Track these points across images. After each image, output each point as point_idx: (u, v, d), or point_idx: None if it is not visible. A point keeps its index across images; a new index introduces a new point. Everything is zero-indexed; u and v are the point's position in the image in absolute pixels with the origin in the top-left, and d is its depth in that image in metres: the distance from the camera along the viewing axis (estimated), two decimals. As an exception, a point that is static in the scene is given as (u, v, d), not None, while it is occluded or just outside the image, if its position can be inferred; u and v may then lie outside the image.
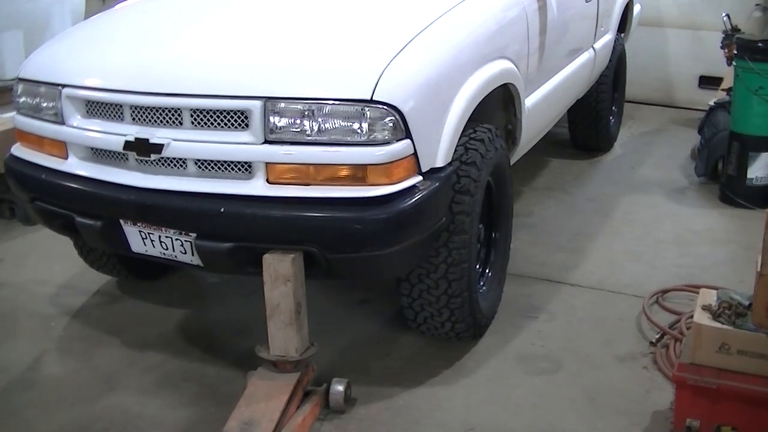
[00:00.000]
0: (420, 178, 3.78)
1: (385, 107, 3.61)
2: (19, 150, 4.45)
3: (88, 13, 7.53)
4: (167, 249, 4.02)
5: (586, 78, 6.60)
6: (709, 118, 7.00)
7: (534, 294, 5.10)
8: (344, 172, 3.64)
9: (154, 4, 4.89)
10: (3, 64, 8.00)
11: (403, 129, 3.65)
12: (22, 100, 4.38)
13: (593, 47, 6.57)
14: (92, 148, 4.12)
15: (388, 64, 3.72)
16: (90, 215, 4.12)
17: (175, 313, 5.00)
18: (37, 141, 4.32)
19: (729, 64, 7.05)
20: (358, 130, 3.60)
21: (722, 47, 7.27)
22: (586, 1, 6.14)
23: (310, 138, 3.64)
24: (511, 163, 4.88)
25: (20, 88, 4.39)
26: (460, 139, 4.07)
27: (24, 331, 4.88)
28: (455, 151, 4.03)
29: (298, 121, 3.64)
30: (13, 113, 4.59)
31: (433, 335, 4.47)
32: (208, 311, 5.09)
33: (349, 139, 3.61)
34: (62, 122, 4.17)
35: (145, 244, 4.07)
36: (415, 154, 3.72)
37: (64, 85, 4.16)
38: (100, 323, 4.92)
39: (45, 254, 5.78)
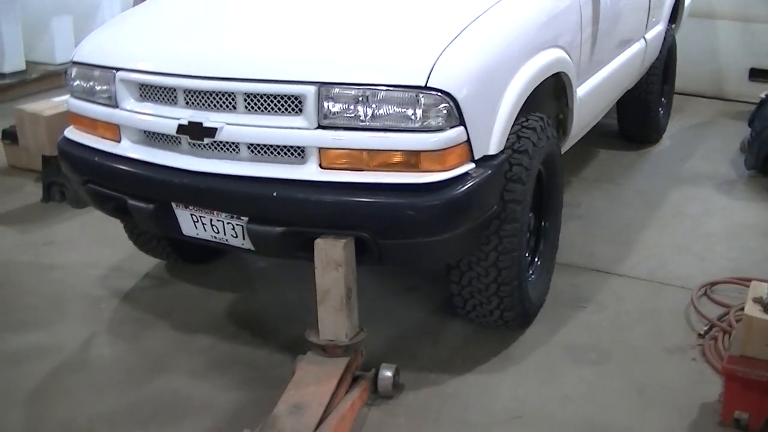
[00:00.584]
0: (473, 165, 3.77)
1: (440, 94, 3.60)
2: (72, 133, 4.49)
3: (137, 2, 7.56)
4: (218, 232, 4.04)
5: (637, 69, 6.56)
6: (760, 111, 6.95)
7: (582, 284, 5.08)
8: (397, 158, 3.64)
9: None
10: (53, 49, 8.09)
11: (456, 116, 3.64)
12: (76, 83, 4.41)
13: (644, 38, 6.52)
14: (145, 132, 4.15)
15: (443, 51, 3.71)
16: (142, 198, 4.15)
17: (224, 296, 5.03)
18: (90, 124, 4.36)
19: (781, 57, 7.00)
20: (412, 117, 3.60)
21: (774, 40, 7.22)
22: (638, -9, 6.11)
23: (363, 124, 3.64)
24: (562, 153, 4.85)
25: (74, 71, 4.43)
26: (512, 127, 4.06)
27: (74, 312, 4.92)
28: (507, 139, 4.02)
29: (352, 107, 3.65)
30: (63, 97, 4.63)
31: (481, 323, 4.47)
32: (257, 295, 5.11)
33: (402, 125, 3.61)
34: (116, 105, 4.20)
35: (196, 228, 4.10)
36: (468, 141, 3.71)
37: (118, 69, 4.19)
38: (149, 306, 4.96)
39: (95, 237, 5.83)
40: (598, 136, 7.39)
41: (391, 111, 3.61)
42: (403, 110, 3.60)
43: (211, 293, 5.07)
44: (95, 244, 5.73)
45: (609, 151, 7.45)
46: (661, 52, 7.18)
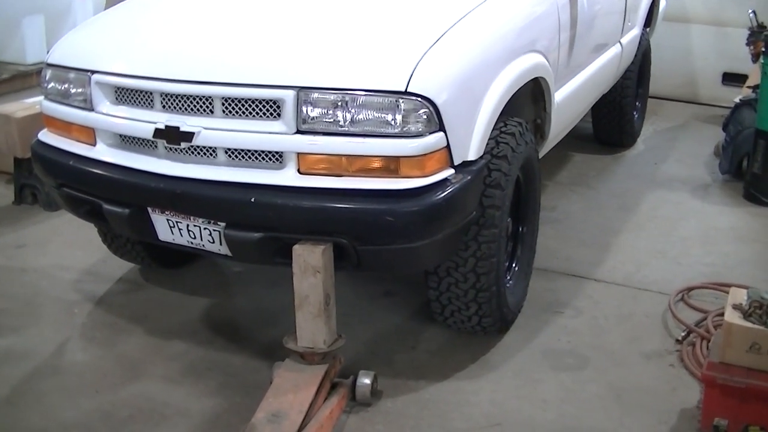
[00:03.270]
0: (452, 171, 3.76)
1: (419, 99, 3.59)
2: (46, 136, 4.44)
3: (109, 3, 7.50)
4: (195, 238, 4.01)
5: (613, 73, 6.57)
6: (734, 116, 6.96)
7: (559, 289, 5.08)
8: (377, 164, 3.62)
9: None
10: (24, 50, 8.01)
11: (436, 121, 3.63)
12: (50, 85, 4.36)
13: (620, 42, 6.53)
14: (121, 135, 4.11)
15: (423, 56, 3.70)
16: (117, 202, 4.11)
17: (199, 301, 4.99)
18: (65, 127, 4.31)
19: (754, 61, 7.03)
20: (392, 122, 3.58)
21: (748, 44, 7.25)
22: (615, -5, 6.12)
23: (342, 129, 3.62)
24: (539, 158, 4.84)
25: (48, 73, 4.37)
26: (491, 132, 4.05)
27: (47, 317, 4.87)
28: (486, 144, 4.01)
29: (331, 112, 3.63)
30: (35, 98, 4.57)
31: (459, 329, 4.45)
32: (233, 300, 5.08)
33: (382, 130, 3.59)
34: (91, 108, 4.15)
35: (172, 233, 4.06)
36: (447, 146, 3.70)
37: (93, 71, 4.14)
38: (123, 310, 4.91)
39: (67, 240, 5.78)
40: (573, 140, 7.39)
41: (370, 116, 3.59)
42: (382, 115, 3.59)
43: (186, 298, 5.03)
44: (68, 248, 5.68)
45: (584, 155, 7.47)
46: (636, 56, 7.19)
